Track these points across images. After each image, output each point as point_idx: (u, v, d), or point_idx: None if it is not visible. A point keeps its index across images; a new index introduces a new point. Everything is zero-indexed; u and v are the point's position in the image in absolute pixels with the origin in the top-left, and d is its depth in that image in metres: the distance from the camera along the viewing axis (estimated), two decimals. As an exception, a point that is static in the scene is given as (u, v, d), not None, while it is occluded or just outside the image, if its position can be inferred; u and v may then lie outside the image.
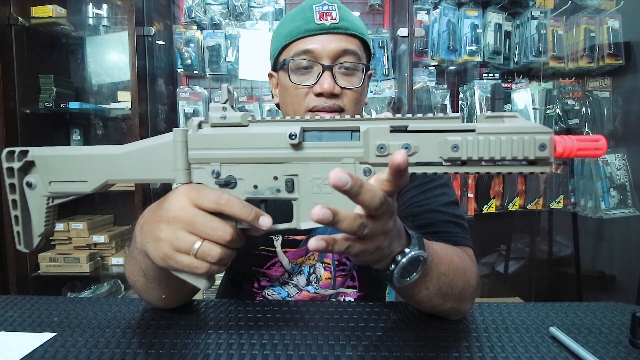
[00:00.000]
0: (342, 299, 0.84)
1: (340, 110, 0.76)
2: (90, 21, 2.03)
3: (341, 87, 0.75)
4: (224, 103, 0.48)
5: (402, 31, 1.83)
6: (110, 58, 2.07)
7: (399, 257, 0.49)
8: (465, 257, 0.67)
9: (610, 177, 2.00)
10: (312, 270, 0.83)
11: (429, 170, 0.44)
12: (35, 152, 0.52)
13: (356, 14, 2.25)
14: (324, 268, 0.83)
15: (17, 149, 0.52)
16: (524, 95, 2.02)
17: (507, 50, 2.02)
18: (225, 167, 0.48)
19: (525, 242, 2.28)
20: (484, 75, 2.02)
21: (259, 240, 0.82)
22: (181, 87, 2.06)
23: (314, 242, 0.41)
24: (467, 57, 1.97)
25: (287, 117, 0.47)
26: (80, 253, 1.94)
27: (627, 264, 2.03)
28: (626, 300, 1.79)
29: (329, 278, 0.83)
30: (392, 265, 0.50)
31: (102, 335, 0.59)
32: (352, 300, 0.84)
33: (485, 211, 2.03)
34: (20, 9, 1.83)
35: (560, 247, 2.25)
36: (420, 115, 0.44)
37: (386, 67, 2.00)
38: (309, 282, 0.83)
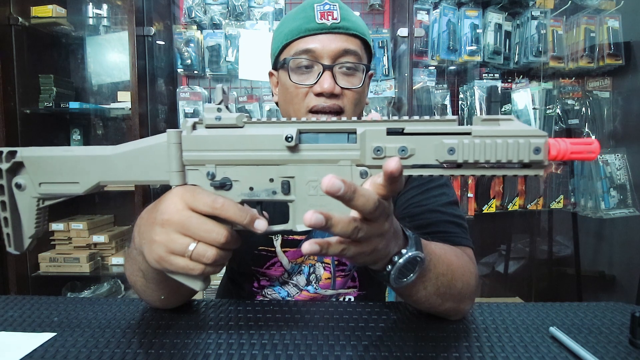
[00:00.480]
0: (342, 299, 0.84)
1: (340, 110, 0.76)
2: (90, 21, 2.03)
3: (341, 87, 0.75)
4: (219, 104, 0.47)
5: (402, 31, 1.83)
6: (110, 58, 2.08)
7: (396, 258, 0.49)
8: (465, 257, 0.67)
9: (610, 177, 2.00)
10: (311, 270, 0.83)
11: (426, 172, 0.44)
12: (25, 153, 0.51)
13: (356, 14, 2.24)
14: (324, 268, 0.83)
15: (5, 149, 0.51)
16: (524, 95, 2.02)
17: (507, 50, 2.02)
18: (220, 168, 0.48)
19: (525, 242, 2.28)
20: (484, 75, 2.01)
21: (259, 241, 0.82)
22: (181, 87, 2.06)
23: (307, 246, 0.41)
24: (467, 57, 1.97)
25: (283, 119, 0.47)
26: (80, 253, 1.94)
27: (627, 264, 2.03)
28: (626, 300, 1.79)
29: (328, 278, 0.83)
30: (389, 266, 0.50)
31: (102, 335, 0.59)
32: (352, 298, 0.85)
33: (485, 211, 2.03)
34: (20, 9, 1.83)
35: (560, 247, 2.25)
36: (416, 117, 0.44)
37: (386, 67, 2.00)
38: (308, 282, 0.83)
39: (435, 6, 1.98)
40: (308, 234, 0.81)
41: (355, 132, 0.45)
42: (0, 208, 0.52)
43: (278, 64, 0.81)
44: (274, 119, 0.47)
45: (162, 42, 2.00)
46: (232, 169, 0.48)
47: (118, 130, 2.16)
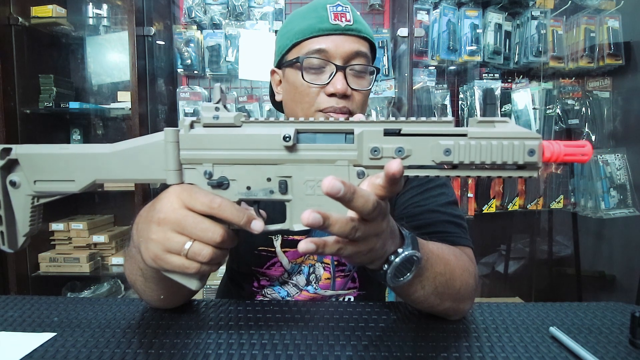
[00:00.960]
0: (342, 299, 0.84)
1: (349, 113, 0.76)
2: (90, 21, 2.03)
3: (352, 89, 0.75)
4: (217, 103, 0.47)
5: (402, 31, 1.83)
6: (110, 58, 2.08)
7: (393, 257, 0.50)
8: (464, 256, 0.67)
9: (610, 177, 2.00)
10: (311, 270, 0.83)
11: (422, 173, 0.44)
12: (19, 150, 0.50)
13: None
14: (324, 268, 0.83)
15: (0, 147, 0.50)
16: (524, 95, 2.02)
17: (507, 50, 2.02)
18: (217, 167, 0.48)
19: (525, 242, 2.28)
20: (484, 75, 2.01)
21: (259, 241, 0.82)
22: (181, 87, 2.06)
23: (303, 245, 0.41)
24: (467, 57, 1.96)
25: (281, 118, 0.47)
26: (80, 253, 1.94)
27: (627, 264, 2.03)
28: (626, 300, 1.79)
29: (328, 278, 0.83)
30: (386, 265, 0.50)
31: (102, 335, 0.59)
32: (352, 298, 0.85)
33: (485, 211, 2.03)
34: (20, 9, 1.83)
35: (560, 247, 2.25)
36: (413, 118, 0.44)
37: (386, 67, 2.00)
38: (308, 282, 0.83)
39: (435, 6, 1.98)
40: (308, 234, 0.81)
41: (352, 133, 0.45)
42: None
43: (284, 62, 0.80)
44: (271, 119, 0.47)
45: (162, 42, 2.00)
46: (230, 168, 0.48)
47: (118, 130, 2.16)
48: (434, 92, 2.02)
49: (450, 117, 0.45)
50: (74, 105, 1.93)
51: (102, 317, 0.65)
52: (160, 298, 0.62)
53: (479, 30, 1.97)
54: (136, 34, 1.78)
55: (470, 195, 2.01)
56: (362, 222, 0.42)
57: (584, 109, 2.08)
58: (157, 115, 1.98)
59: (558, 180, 2.06)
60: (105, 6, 2.00)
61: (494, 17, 1.97)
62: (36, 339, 0.58)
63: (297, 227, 0.47)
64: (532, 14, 1.96)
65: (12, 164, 0.51)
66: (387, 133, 0.44)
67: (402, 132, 0.44)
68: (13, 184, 0.51)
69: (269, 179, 0.47)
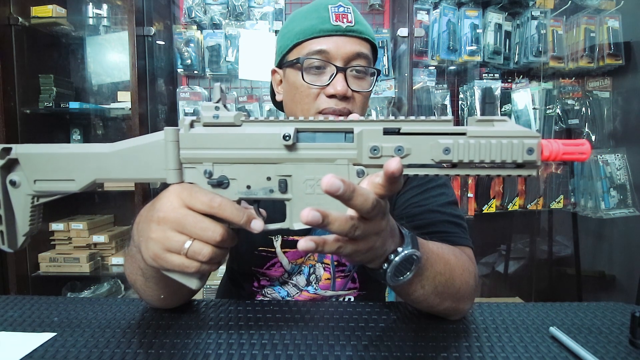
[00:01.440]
0: (342, 299, 0.84)
1: (349, 114, 0.76)
2: (90, 21, 2.02)
3: (353, 90, 0.75)
4: (217, 102, 0.47)
5: (402, 31, 1.83)
6: (110, 58, 2.08)
7: (392, 256, 0.50)
8: (464, 256, 0.67)
9: (610, 177, 2.00)
10: (311, 270, 0.83)
11: (421, 172, 0.44)
12: (20, 150, 0.50)
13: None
14: (324, 269, 0.83)
15: (0, 146, 0.50)
16: (524, 95, 2.01)
17: (507, 50, 2.02)
18: (217, 167, 0.48)
19: (525, 242, 2.28)
20: (484, 75, 2.01)
21: (259, 241, 0.82)
22: (181, 87, 2.06)
23: (302, 243, 0.41)
24: (467, 57, 1.96)
25: (281, 118, 0.47)
26: (80, 253, 1.94)
27: (627, 264, 2.03)
28: (626, 300, 1.79)
29: (328, 279, 0.83)
30: (386, 264, 0.50)
31: (102, 335, 0.59)
32: (352, 298, 0.85)
33: (485, 211, 2.03)
34: (20, 9, 1.83)
35: (560, 247, 2.25)
36: (413, 117, 0.45)
37: (386, 67, 2.00)
38: (308, 283, 0.83)
39: (435, 6, 1.98)
40: (308, 234, 0.81)
41: (352, 132, 0.45)
42: None
43: (285, 62, 0.80)
44: (271, 118, 0.47)
45: (162, 42, 2.00)
46: (230, 167, 0.48)
47: (118, 130, 2.16)
48: (434, 92, 2.02)
49: (449, 116, 0.45)
50: (74, 105, 1.93)
51: (102, 317, 0.65)
52: (160, 298, 0.62)
53: (479, 30, 1.97)
54: (136, 34, 1.78)
55: (470, 195, 2.01)
56: (362, 221, 0.42)
57: (584, 109, 2.08)
58: (157, 115, 1.98)
59: (558, 180, 2.06)
60: (105, 6, 2.00)
61: (494, 17, 1.97)
62: (36, 339, 0.58)
63: (297, 226, 0.48)
64: (532, 14, 1.96)
65: (12, 164, 0.51)
66: (387, 132, 0.44)
67: (401, 131, 0.44)
68: (13, 183, 0.51)
69: (268, 178, 0.47)
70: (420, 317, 0.65)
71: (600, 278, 2.12)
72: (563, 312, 0.68)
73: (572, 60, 2.02)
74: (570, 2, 2.01)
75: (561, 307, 0.70)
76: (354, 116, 0.47)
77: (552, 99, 2.03)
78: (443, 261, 0.60)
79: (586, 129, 2.10)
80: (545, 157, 0.42)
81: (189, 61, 1.99)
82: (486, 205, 2.03)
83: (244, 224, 0.46)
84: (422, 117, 0.44)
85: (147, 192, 1.84)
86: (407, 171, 0.44)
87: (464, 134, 0.43)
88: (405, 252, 0.50)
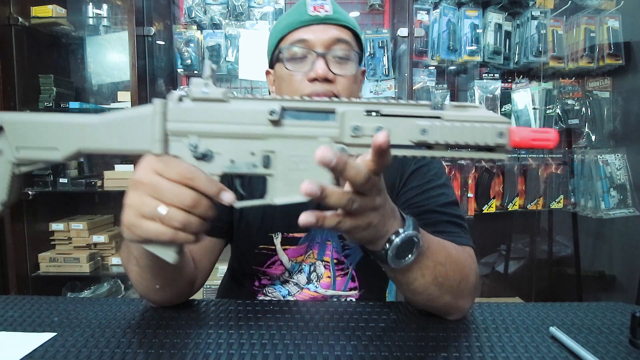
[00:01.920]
0: (343, 299, 0.84)
1: (335, 96, 0.76)
2: (90, 21, 2.02)
3: (334, 74, 0.76)
4: (207, 79, 0.48)
5: (402, 31, 1.83)
6: (110, 58, 2.07)
7: (394, 237, 0.51)
8: (465, 253, 0.67)
9: (610, 177, 2.00)
10: (312, 268, 0.84)
11: (400, 152, 0.46)
12: (5, 117, 0.50)
13: (356, 14, 2.22)
14: (324, 266, 0.84)
15: None
16: (524, 95, 2.01)
17: (507, 50, 2.01)
18: (203, 140, 0.49)
19: (525, 242, 2.28)
20: (484, 75, 2.01)
21: (259, 239, 0.82)
22: (181, 87, 2.06)
23: (303, 217, 0.43)
24: (467, 57, 1.96)
25: (268, 96, 0.48)
26: (80, 253, 1.94)
27: (627, 264, 2.03)
28: (626, 300, 1.79)
29: (329, 277, 0.83)
30: (387, 245, 0.51)
31: (102, 335, 0.59)
32: (353, 300, 0.85)
33: (485, 211, 2.03)
34: (20, 9, 1.83)
35: (560, 247, 2.25)
36: (393, 101, 0.47)
37: (386, 67, 2.00)
38: (309, 281, 0.84)
39: (435, 6, 1.98)
40: (308, 232, 0.82)
41: (335, 112, 0.47)
42: None
43: (274, 60, 0.82)
44: (258, 96, 0.49)
45: (162, 42, 2.00)
46: (215, 141, 0.49)
47: (118, 130, 2.15)
48: (434, 92, 2.02)
49: (426, 101, 0.48)
50: (74, 105, 1.93)
51: (102, 317, 0.65)
52: (156, 288, 0.62)
53: (479, 30, 1.97)
54: (136, 34, 1.78)
55: (470, 195, 2.00)
56: (358, 195, 0.45)
57: (584, 109, 2.08)
58: (157, 115, 1.97)
59: (558, 180, 2.06)
60: (105, 6, 2.00)
61: (494, 17, 1.97)
62: (36, 339, 0.58)
63: (278, 200, 0.48)
64: (532, 14, 1.96)
65: None
66: (368, 113, 0.46)
67: (382, 113, 0.46)
68: None
69: (252, 154, 0.49)
70: (420, 318, 0.65)
71: (600, 278, 2.12)
72: (563, 312, 0.68)
73: (572, 60, 2.02)
74: (570, 2, 2.01)
75: (561, 307, 0.70)
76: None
77: (552, 99, 2.03)
78: (444, 253, 0.60)
79: (586, 129, 2.10)
80: (515, 142, 0.45)
81: (189, 61, 1.99)
82: (486, 205, 2.03)
83: (214, 195, 0.47)
84: (402, 101, 0.47)
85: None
86: None
87: (439, 117, 0.46)
88: (407, 232, 0.51)
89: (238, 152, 0.49)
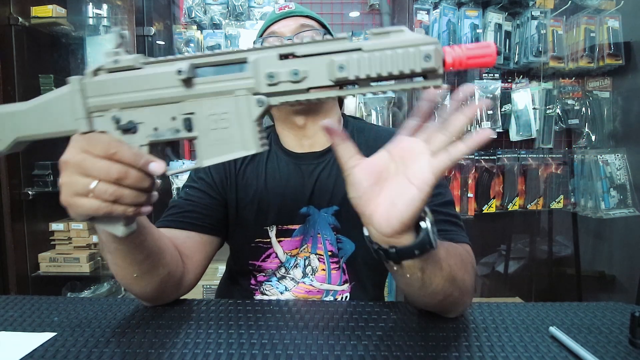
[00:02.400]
0: (339, 297, 0.85)
1: None
2: (90, 21, 2.02)
3: None
4: (117, 48, 0.48)
5: (402, 31, 1.82)
6: (110, 58, 2.07)
7: (423, 214, 0.50)
8: (464, 250, 0.68)
9: (610, 177, 2.00)
10: (307, 262, 0.85)
11: (323, 95, 0.44)
12: None
13: (356, 14, 2.21)
14: (318, 259, 0.85)
15: None
16: (524, 95, 2.01)
17: (507, 50, 2.01)
18: (125, 112, 0.48)
19: (525, 242, 2.28)
20: (484, 75, 2.01)
21: (255, 233, 0.83)
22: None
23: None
24: (467, 57, 1.96)
25: (180, 55, 0.47)
26: (80, 253, 1.94)
27: (627, 264, 2.03)
28: (626, 300, 1.79)
29: (324, 269, 0.85)
30: (423, 223, 0.50)
31: (102, 335, 0.59)
32: (348, 295, 0.86)
33: (485, 211, 2.03)
34: (20, 9, 1.83)
35: (560, 247, 2.25)
36: (308, 39, 0.44)
37: (386, 67, 2.00)
38: (304, 275, 0.84)
39: (435, 6, 1.98)
40: (303, 224, 0.83)
41: (246, 61, 0.45)
42: None
43: None
44: (170, 57, 0.47)
45: (162, 42, 2.00)
46: (136, 111, 0.48)
47: (118, 130, 2.15)
48: (433, 92, 2.01)
49: (344, 34, 0.44)
50: (74, 105, 1.93)
51: (102, 317, 0.65)
52: (134, 277, 0.62)
53: (479, 30, 1.96)
54: (136, 34, 1.78)
55: (470, 195, 2.00)
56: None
57: (584, 109, 2.08)
58: (157, 115, 1.97)
59: (558, 180, 2.05)
60: (105, 6, 2.00)
61: (494, 17, 1.97)
62: (36, 339, 0.58)
63: (207, 162, 0.47)
64: (532, 14, 1.96)
65: None
66: (282, 57, 0.44)
67: (296, 54, 0.43)
68: None
69: (173, 118, 0.47)
70: (420, 318, 0.65)
71: (600, 278, 2.12)
72: (563, 312, 0.68)
73: (572, 60, 2.02)
74: (570, 2, 2.01)
75: (561, 307, 0.70)
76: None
77: (552, 99, 2.03)
78: (446, 245, 0.60)
79: (586, 129, 2.10)
80: (449, 64, 0.41)
81: (189, 61, 1.99)
82: (486, 205, 2.03)
83: (142, 166, 0.47)
84: (319, 39, 0.44)
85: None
86: (308, 96, 0.44)
87: (359, 49, 0.42)
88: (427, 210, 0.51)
89: (159, 118, 0.48)
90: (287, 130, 0.86)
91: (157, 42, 1.96)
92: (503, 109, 2.01)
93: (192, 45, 1.98)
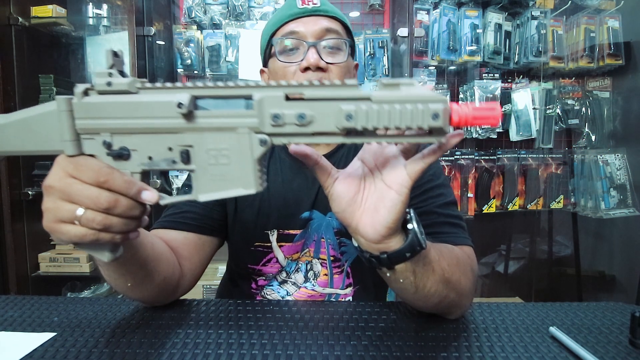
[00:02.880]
0: (342, 299, 0.85)
1: None
2: (90, 21, 2.02)
3: (327, 63, 0.77)
4: (110, 68, 0.44)
5: (402, 31, 1.83)
6: (110, 58, 2.07)
7: (408, 216, 0.51)
8: (462, 252, 0.67)
9: (610, 177, 2.00)
10: (309, 267, 0.84)
11: (327, 140, 0.43)
12: None
13: (356, 14, 2.21)
14: (321, 264, 0.84)
15: None
16: (524, 95, 2.01)
17: (507, 50, 2.02)
18: (117, 137, 0.45)
19: (525, 242, 2.28)
20: (484, 75, 2.01)
21: (255, 237, 0.82)
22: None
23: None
24: (467, 57, 1.96)
25: (179, 84, 0.44)
26: (80, 253, 1.93)
27: (627, 264, 2.03)
28: (626, 300, 1.79)
29: (326, 274, 0.84)
30: (409, 225, 0.50)
31: (102, 335, 0.59)
32: (351, 298, 0.85)
33: (485, 211, 2.03)
34: (20, 9, 1.83)
35: (560, 247, 2.25)
36: (317, 83, 0.43)
37: (386, 67, 2.00)
38: (306, 279, 0.84)
39: (435, 6, 1.98)
40: (304, 228, 0.81)
41: (252, 98, 0.43)
42: None
43: (267, 56, 0.84)
44: (169, 84, 0.44)
45: (162, 42, 2.00)
46: (129, 137, 0.45)
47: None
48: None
49: (354, 81, 0.42)
50: (74, 105, 1.93)
51: (102, 317, 0.65)
52: (127, 286, 0.61)
53: (479, 30, 1.97)
54: (136, 34, 1.78)
55: (470, 195, 2.00)
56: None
57: (584, 109, 2.08)
58: (157, 115, 1.97)
59: (558, 180, 2.06)
60: (105, 6, 2.00)
61: (494, 17, 1.97)
62: (36, 339, 0.58)
63: (203, 197, 0.46)
64: (532, 14, 1.96)
65: None
66: (289, 98, 0.42)
67: (304, 97, 0.42)
68: None
69: (170, 149, 0.45)
70: (420, 318, 0.65)
71: (600, 278, 2.12)
72: (563, 312, 0.68)
73: (572, 60, 2.02)
74: (570, 2, 2.01)
75: (561, 307, 0.70)
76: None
77: (552, 99, 2.03)
78: (439, 247, 0.60)
79: (586, 129, 2.10)
80: (455, 122, 0.41)
81: (189, 61, 1.99)
82: (486, 205, 2.03)
83: (134, 196, 0.45)
84: (327, 82, 0.43)
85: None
86: (312, 140, 0.43)
87: (368, 99, 0.41)
88: (411, 210, 0.51)
89: (155, 148, 0.45)
90: None
91: (157, 42, 1.96)
92: (503, 109, 2.01)
93: (192, 45, 1.98)
